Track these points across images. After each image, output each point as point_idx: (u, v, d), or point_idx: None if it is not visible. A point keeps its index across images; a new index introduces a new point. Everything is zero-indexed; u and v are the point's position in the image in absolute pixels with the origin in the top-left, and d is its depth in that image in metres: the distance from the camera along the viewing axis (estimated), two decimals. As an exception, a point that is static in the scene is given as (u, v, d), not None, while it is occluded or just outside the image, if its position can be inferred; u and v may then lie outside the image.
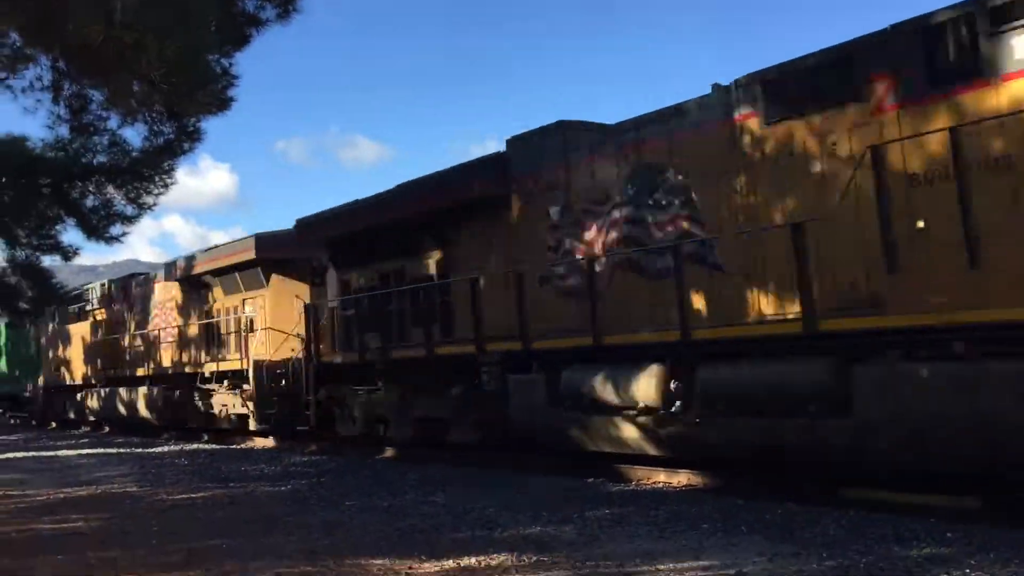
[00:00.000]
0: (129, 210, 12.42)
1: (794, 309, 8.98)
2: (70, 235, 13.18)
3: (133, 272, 27.11)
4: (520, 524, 8.47)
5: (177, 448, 18.80)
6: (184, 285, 22.34)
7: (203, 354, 21.17)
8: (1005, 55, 7.66)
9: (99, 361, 26.01)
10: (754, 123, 9.61)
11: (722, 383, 9.41)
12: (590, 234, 11.37)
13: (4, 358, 35.41)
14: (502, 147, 13.03)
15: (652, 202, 10.63)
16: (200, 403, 20.89)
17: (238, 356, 19.45)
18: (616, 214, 11.00)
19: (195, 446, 19.20)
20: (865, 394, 8.19)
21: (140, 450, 18.64)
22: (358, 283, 16.01)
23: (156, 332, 23.33)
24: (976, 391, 7.37)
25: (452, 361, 13.38)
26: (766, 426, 8.97)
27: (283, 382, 17.98)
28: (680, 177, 10.34)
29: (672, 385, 10.00)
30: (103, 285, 26.60)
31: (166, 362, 22.85)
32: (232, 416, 19.77)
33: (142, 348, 24.19)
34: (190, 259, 22.01)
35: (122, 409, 24.16)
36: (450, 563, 6.90)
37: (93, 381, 26.43)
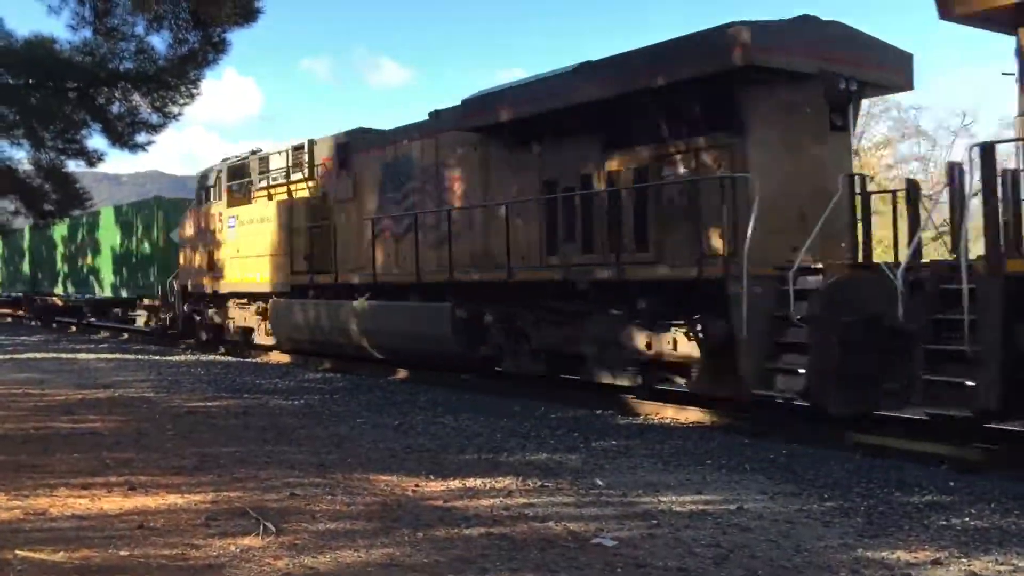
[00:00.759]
0: (154, 118, 12.41)
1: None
2: (95, 141, 13.18)
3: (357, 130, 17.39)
4: (527, 450, 8.60)
5: (194, 358, 19.08)
6: (492, 138, 13.38)
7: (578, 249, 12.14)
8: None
9: (292, 261, 17.31)
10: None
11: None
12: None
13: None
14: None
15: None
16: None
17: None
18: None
19: (211, 357, 19.48)
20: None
21: (158, 357, 18.93)
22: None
23: (442, 214, 14.10)
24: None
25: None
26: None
27: None
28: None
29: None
30: (292, 149, 17.98)
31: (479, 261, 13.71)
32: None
33: (399, 240, 15.40)
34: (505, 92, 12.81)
35: (371, 338, 15.48)
36: (455, 483, 7.02)
37: (278, 290, 17.80)
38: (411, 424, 10.14)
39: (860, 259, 9.59)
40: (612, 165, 11.53)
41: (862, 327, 8.85)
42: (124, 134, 12.59)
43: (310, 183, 17.72)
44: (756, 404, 10.09)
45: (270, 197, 18.62)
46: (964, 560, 5.04)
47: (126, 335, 26.49)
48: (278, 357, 18.93)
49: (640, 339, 10.56)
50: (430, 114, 15.17)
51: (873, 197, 10.82)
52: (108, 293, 27.97)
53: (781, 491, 6.83)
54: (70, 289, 31.14)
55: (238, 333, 20.06)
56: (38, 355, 19.48)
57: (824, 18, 10.23)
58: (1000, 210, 7.64)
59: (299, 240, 17.13)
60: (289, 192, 18.16)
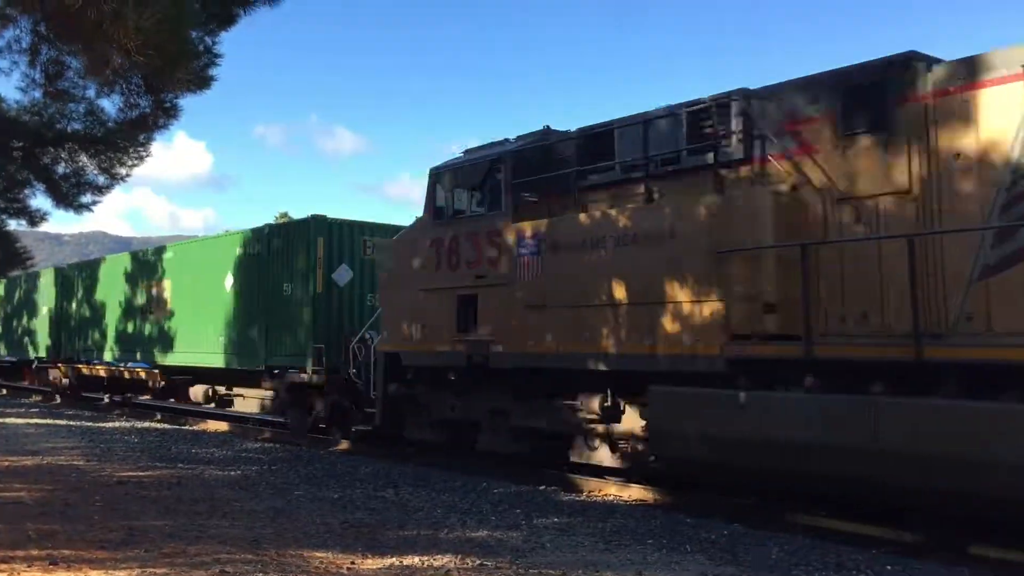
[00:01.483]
0: (101, 179, 12.31)
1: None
2: (38, 200, 13.00)
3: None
4: (467, 527, 8.46)
5: (128, 424, 18.55)
6: None
7: None
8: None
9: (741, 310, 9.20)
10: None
11: None
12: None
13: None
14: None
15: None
16: None
17: None
18: None
19: (146, 424, 18.97)
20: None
21: (90, 424, 18.37)
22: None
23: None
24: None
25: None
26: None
27: None
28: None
29: None
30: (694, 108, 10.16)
31: None
32: None
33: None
34: None
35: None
36: (393, 560, 6.87)
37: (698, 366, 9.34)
38: (351, 498, 9.94)
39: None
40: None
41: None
42: (69, 194, 12.45)
43: (754, 168, 9.61)
44: (696, 486, 10.07)
45: (627, 199, 10.57)
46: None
47: (58, 399, 25.67)
48: (215, 425, 18.50)
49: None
50: None
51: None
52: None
53: (720, 573, 6.80)
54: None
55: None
56: (-36, 419, 18.79)
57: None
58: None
59: (757, 270, 9.02)
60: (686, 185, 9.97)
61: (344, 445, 15.14)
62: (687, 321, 9.31)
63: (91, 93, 11.18)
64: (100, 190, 12.79)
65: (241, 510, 8.96)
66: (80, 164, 12.47)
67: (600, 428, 10.70)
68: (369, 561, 6.84)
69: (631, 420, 10.36)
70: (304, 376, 15.83)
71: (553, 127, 12.11)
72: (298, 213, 57.04)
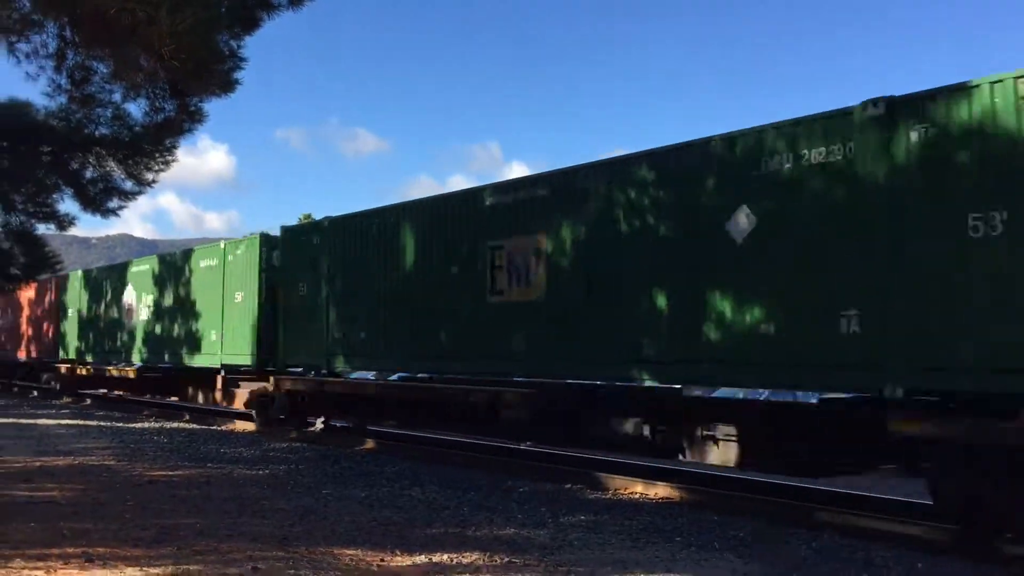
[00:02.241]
0: (128, 185, 12.41)
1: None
2: (66, 205, 13.15)
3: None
4: (494, 524, 8.50)
5: (157, 425, 18.75)
6: None
7: None
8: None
9: None
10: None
11: None
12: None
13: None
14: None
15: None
16: None
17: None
18: None
19: (175, 424, 19.16)
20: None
21: (121, 424, 18.58)
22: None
23: None
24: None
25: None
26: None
27: None
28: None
29: None
30: None
31: None
32: None
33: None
34: None
35: None
36: (422, 558, 6.92)
37: None
38: (377, 496, 10.01)
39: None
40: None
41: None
42: (96, 199, 12.58)
43: None
44: (724, 481, 10.10)
45: None
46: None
47: (88, 400, 25.99)
48: (243, 425, 18.65)
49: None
50: None
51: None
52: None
53: (749, 571, 6.80)
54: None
55: None
56: (-3, 420, 19.06)
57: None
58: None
59: None
60: None
61: (370, 444, 15.22)
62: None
63: (117, 98, 11.34)
64: (127, 195, 12.91)
65: (271, 508, 9.04)
66: (107, 169, 12.59)
67: None
68: (399, 558, 6.89)
69: None
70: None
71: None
72: (320, 215, 57.34)
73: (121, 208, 12.75)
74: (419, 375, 14.18)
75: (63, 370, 27.27)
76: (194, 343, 19.98)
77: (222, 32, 8.20)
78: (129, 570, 6.19)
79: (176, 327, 20.84)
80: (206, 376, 19.79)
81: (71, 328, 27.16)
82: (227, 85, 9.02)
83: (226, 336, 18.79)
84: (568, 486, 11.02)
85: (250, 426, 18.44)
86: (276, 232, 18.08)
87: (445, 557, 6.95)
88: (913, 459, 8.34)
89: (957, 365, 7.57)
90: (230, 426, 18.87)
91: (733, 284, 9.42)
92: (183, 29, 6.40)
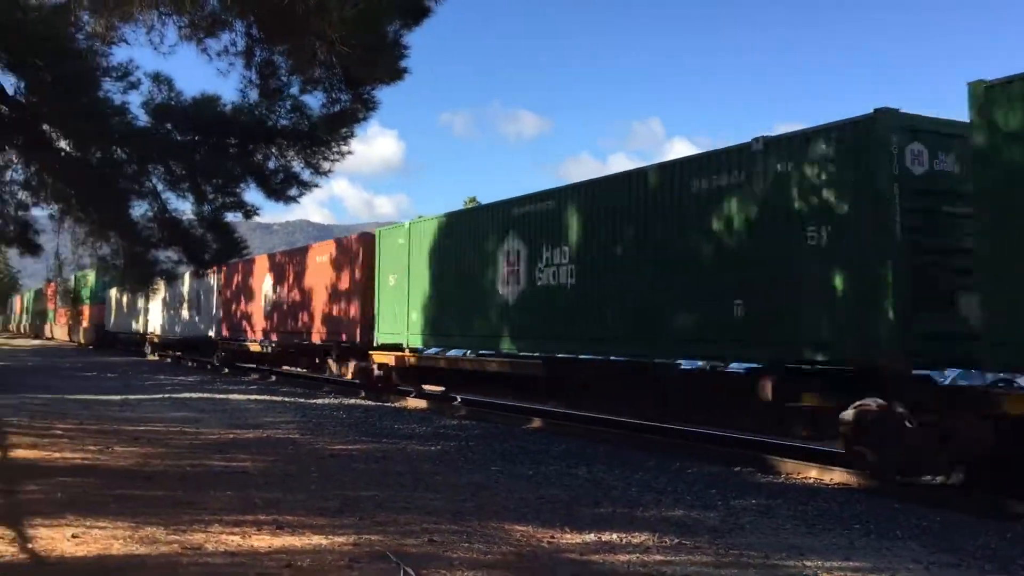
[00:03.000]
0: (306, 174, 13.05)
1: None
2: (251, 194, 13.95)
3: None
4: (663, 505, 8.46)
5: (336, 401, 19.69)
6: None
7: None
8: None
9: None
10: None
11: None
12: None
13: None
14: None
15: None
16: None
17: None
18: None
19: (352, 400, 20.06)
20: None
21: (303, 400, 19.63)
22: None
23: None
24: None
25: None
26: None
27: None
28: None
29: None
30: None
31: None
32: None
33: None
34: None
35: None
36: (591, 536, 6.97)
37: None
38: (545, 474, 10.15)
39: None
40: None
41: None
42: (278, 188, 13.29)
43: None
44: (900, 471, 9.65)
45: None
46: None
47: (273, 377, 27.63)
48: (415, 403, 19.34)
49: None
50: None
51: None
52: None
53: (937, 561, 6.47)
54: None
55: None
56: (194, 395, 20.53)
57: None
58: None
59: None
60: None
61: (536, 423, 15.45)
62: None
63: (295, 90, 11.94)
64: (306, 185, 13.56)
65: (443, 483, 9.35)
66: (288, 160, 13.27)
67: None
68: (568, 536, 6.98)
69: None
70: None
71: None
72: (484, 197, 58.33)
73: (301, 196, 13.43)
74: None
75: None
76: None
77: (391, 20, 8.48)
78: (316, 538, 6.56)
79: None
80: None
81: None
82: (395, 73, 9.32)
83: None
84: (737, 469, 10.81)
85: (421, 404, 19.11)
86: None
87: (614, 536, 6.98)
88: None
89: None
90: (403, 403, 19.60)
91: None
92: (351, 16, 6.67)
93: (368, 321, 20.73)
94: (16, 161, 13.28)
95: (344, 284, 22.20)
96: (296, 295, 25.43)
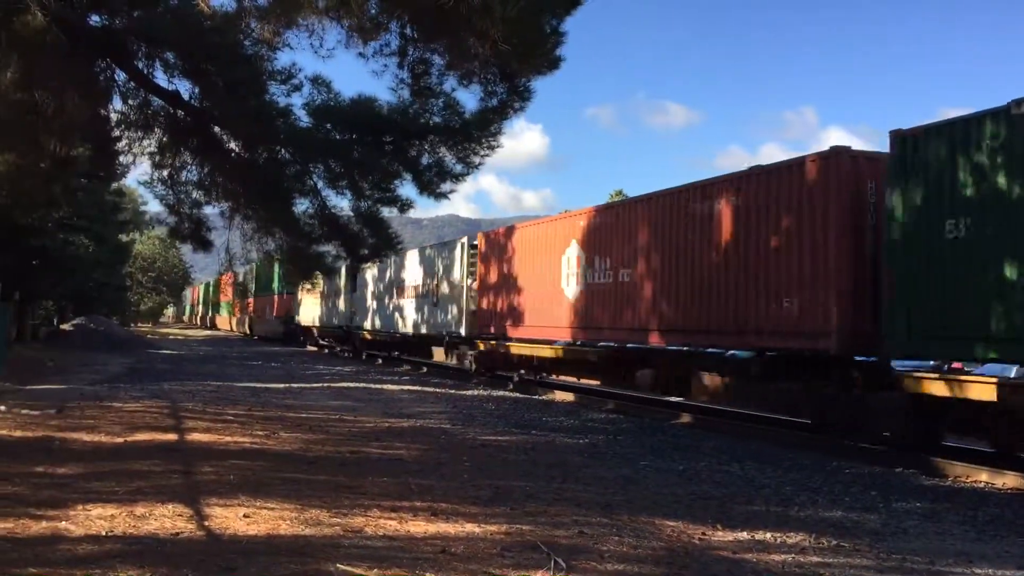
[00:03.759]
0: (458, 168, 13.32)
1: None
2: (405, 189, 14.34)
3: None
4: (818, 506, 8.21)
5: (485, 393, 20.05)
6: None
7: None
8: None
9: None
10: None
11: None
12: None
13: None
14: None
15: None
16: None
17: None
18: None
19: (500, 392, 20.38)
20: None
21: (453, 391, 20.09)
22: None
23: None
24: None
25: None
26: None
27: None
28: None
29: None
30: None
31: None
32: None
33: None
34: None
35: None
36: (743, 535, 6.85)
37: None
38: (695, 470, 10.03)
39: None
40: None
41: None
42: (431, 184, 13.61)
43: None
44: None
45: None
46: None
47: (424, 369, 28.37)
48: (562, 396, 19.45)
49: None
50: None
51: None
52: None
53: (1125, 575, 6.01)
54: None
55: None
56: (351, 384, 21.36)
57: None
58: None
59: None
60: None
61: (686, 419, 15.25)
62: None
63: (447, 87, 12.21)
64: (457, 178, 13.82)
65: (592, 476, 9.38)
66: (440, 155, 13.57)
67: None
68: (720, 533, 6.88)
69: None
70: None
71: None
72: (631, 191, 57.95)
73: (452, 191, 13.70)
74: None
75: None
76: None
77: (551, 16, 8.56)
78: (469, 526, 6.72)
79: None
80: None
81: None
82: (552, 63, 9.39)
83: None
84: (899, 470, 10.37)
85: (569, 396, 19.21)
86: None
87: (768, 535, 6.83)
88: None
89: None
90: (550, 396, 19.75)
91: None
92: (514, 15, 6.78)
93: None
94: (191, 162, 14.12)
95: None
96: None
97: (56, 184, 15.67)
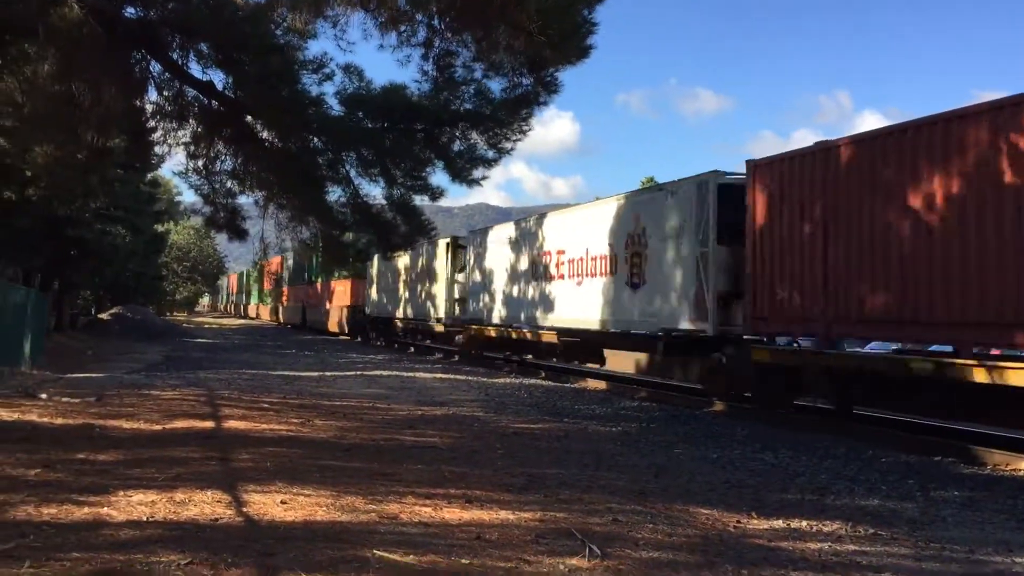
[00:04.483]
0: (489, 154, 13.33)
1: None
2: (437, 177, 14.39)
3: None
4: (855, 494, 8.15)
5: (517, 381, 20.09)
6: None
7: None
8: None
9: None
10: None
11: None
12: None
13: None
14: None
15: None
16: None
17: None
18: None
19: (533, 381, 20.40)
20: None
21: (484, 379, 20.15)
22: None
23: None
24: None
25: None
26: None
27: None
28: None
29: None
30: None
31: None
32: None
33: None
34: None
35: None
36: (779, 523, 6.82)
37: None
38: (729, 458, 9.98)
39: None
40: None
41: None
42: (462, 170, 13.63)
43: None
44: None
45: None
46: None
47: (456, 357, 28.46)
48: (595, 384, 19.43)
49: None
50: None
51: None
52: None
53: None
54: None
55: None
56: (383, 372, 21.50)
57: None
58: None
59: None
60: None
61: (719, 407, 15.18)
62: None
63: (477, 75, 12.22)
64: (489, 164, 13.83)
65: (625, 464, 9.37)
66: (472, 141, 13.59)
67: None
68: (755, 521, 6.85)
69: None
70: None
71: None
72: (661, 177, 57.65)
73: (484, 178, 13.72)
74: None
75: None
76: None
77: (582, 4, 8.53)
78: (503, 513, 6.74)
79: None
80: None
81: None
82: (583, 52, 9.36)
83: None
84: (938, 459, 10.25)
85: (601, 384, 19.19)
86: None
87: (803, 523, 6.80)
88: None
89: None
90: (582, 384, 19.74)
91: None
92: (549, 6, 6.77)
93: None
94: (225, 152, 14.24)
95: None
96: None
97: (93, 175, 15.89)
